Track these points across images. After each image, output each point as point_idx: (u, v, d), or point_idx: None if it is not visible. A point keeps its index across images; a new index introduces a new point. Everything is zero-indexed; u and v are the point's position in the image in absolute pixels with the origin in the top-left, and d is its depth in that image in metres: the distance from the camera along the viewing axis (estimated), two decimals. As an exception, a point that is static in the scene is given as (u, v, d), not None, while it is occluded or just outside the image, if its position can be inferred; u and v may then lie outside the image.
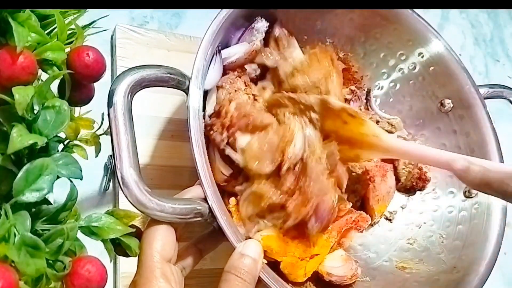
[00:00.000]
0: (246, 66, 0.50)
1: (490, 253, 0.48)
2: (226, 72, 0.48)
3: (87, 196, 0.51)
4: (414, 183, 0.57)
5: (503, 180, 0.37)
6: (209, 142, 0.44)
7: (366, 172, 0.54)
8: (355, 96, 0.58)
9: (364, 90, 0.61)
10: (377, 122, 0.58)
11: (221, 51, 0.47)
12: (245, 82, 0.48)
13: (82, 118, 0.35)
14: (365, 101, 0.60)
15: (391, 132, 0.59)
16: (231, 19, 0.45)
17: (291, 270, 0.43)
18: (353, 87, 0.59)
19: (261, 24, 0.50)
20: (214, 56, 0.45)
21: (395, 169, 0.58)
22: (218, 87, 0.47)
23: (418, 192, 0.58)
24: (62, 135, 0.32)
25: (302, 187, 0.42)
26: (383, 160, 0.57)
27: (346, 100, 0.57)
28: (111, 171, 0.51)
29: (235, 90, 0.47)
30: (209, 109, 0.46)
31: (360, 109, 0.58)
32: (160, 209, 0.34)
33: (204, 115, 0.45)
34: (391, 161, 0.58)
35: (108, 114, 0.35)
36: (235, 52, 0.49)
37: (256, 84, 0.51)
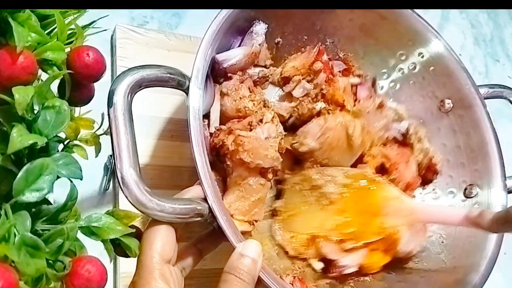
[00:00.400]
0: (248, 70, 0.50)
1: (490, 253, 0.48)
2: (228, 76, 0.48)
3: (87, 196, 0.51)
4: (424, 175, 0.57)
5: None
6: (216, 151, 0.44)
7: (388, 159, 0.54)
8: (363, 79, 0.58)
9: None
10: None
11: (221, 54, 0.47)
12: (249, 88, 0.48)
13: (82, 118, 0.35)
14: (372, 89, 0.60)
15: (398, 121, 0.59)
16: (231, 20, 0.45)
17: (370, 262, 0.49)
18: (360, 71, 0.59)
19: (260, 27, 0.50)
20: (207, 81, 0.45)
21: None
22: (223, 94, 0.47)
23: (418, 192, 0.58)
24: (62, 135, 0.32)
25: None
26: (401, 145, 0.57)
27: (353, 86, 0.57)
28: (111, 171, 0.51)
29: (240, 98, 0.47)
30: (213, 117, 0.46)
31: (370, 96, 0.58)
32: (160, 209, 0.34)
33: (209, 124, 0.45)
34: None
35: (108, 114, 0.35)
36: (235, 54, 0.48)
37: (259, 85, 0.52)
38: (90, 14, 0.34)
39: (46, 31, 0.30)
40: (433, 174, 0.57)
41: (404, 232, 0.50)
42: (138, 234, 0.35)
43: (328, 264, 0.49)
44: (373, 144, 0.54)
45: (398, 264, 0.52)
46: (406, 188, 0.54)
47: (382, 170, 0.54)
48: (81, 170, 0.30)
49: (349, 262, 0.48)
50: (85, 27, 0.34)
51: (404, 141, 0.57)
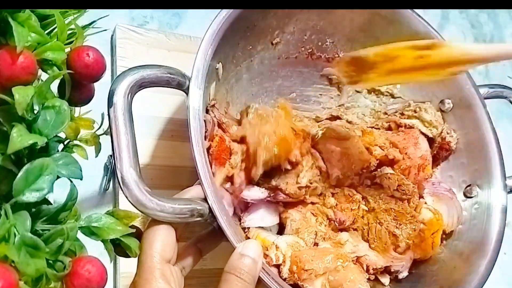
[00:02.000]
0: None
1: (490, 253, 0.48)
2: None
3: (87, 196, 0.51)
4: (437, 153, 0.56)
5: None
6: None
7: (396, 146, 0.54)
8: None
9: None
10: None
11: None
12: None
13: (82, 118, 0.35)
14: None
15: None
16: (231, 20, 0.45)
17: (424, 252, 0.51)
18: None
19: None
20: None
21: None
22: None
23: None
24: (62, 135, 0.32)
25: None
26: (407, 127, 0.57)
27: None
28: (111, 171, 0.51)
29: None
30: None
31: None
32: (160, 209, 0.34)
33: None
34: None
35: (108, 114, 0.35)
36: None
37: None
38: (90, 14, 0.34)
39: (46, 31, 0.30)
40: (447, 151, 0.56)
41: (440, 209, 0.52)
42: (138, 234, 0.35)
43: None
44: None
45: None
46: (418, 170, 0.54)
47: (390, 162, 0.53)
48: (81, 170, 0.30)
49: (400, 268, 0.50)
50: (85, 27, 0.34)
51: (408, 123, 0.57)
